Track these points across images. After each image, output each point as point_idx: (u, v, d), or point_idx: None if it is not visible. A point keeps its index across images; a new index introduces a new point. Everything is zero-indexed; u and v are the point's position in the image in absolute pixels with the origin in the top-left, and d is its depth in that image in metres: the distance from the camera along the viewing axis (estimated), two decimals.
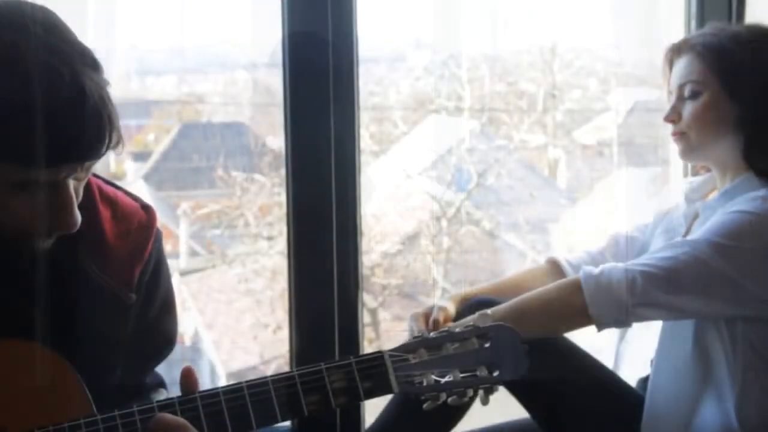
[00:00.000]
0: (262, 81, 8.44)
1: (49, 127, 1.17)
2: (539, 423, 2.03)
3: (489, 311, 1.88)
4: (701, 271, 1.77)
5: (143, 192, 8.24)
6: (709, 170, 2.04)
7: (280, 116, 2.35)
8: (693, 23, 2.48)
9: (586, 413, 1.96)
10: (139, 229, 1.44)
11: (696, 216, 2.01)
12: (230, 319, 7.79)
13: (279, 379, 1.33)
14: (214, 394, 1.31)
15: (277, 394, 1.32)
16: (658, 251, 1.85)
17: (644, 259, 1.84)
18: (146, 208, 1.48)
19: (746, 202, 1.84)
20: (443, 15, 7.61)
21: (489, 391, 1.40)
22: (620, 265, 1.82)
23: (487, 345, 1.39)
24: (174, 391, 1.49)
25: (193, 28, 8.37)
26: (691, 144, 1.94)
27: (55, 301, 1.35)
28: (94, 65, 1.25)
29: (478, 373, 1.38)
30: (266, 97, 8.38)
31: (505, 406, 2.16)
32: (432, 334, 1.40)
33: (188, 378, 1.34)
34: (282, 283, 6.78)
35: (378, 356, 1.36)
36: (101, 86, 1.24)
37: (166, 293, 1.52)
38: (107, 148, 1.25)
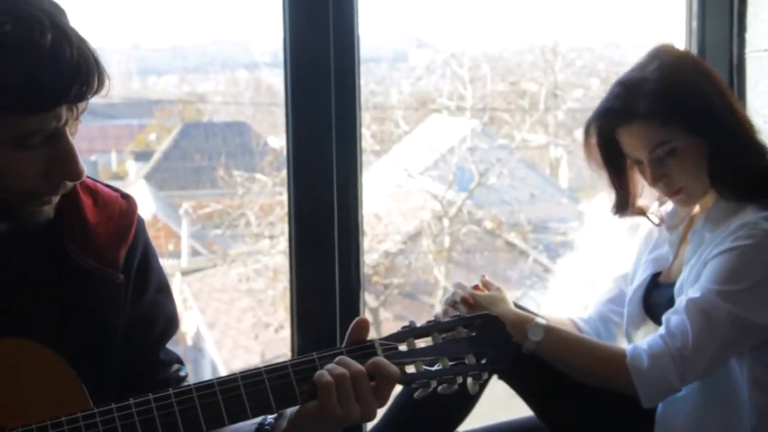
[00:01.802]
0: (263, 80, 8.45)
1: (44, 69, 1.20)
2: (547, 424, 2.03)
3: (545, 322, 1.91)
4: (716, 326, 1.81)
5: (145, 191, 8.24)
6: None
7: (282, 116, 2.35)
8: (694, 23, 2.47)
9: (596, 416, 1.97)
10: (120, 215, 1.45)
11: (682, 240, 2.03)
12: (232, 319, 7.81)
13: (273, 369, 1.34)
14: (209, 385, 1.32)
15: (271, 384, 1.33)
16: (672, 324, 1.85)
17: (667, 336, 1.85)
18: (126, 197, 1.49)
19: (734, 232, 1.84)
20: (445, 15, 7.62)
21: (477, 378, 1.40)
22: (655, 352, 1.84)
23: (474, 334, 1.41)
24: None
25: (194, 28, 8.38)
26: (692, 193, 1.93)
27: (41, 288, 1.37)
28: (62, 11, 1.29)
29: (466, 360, 1.39)
30: (268, 97, 8.40)
31: (508, 406, 2.17)
32: (419, 324, 1.41)
33: (362, 328, 1.38)
34: (283, 283, 6.79)
35: (369, 345, 1.36)
36: (75, 29, 1.28)
37: (159, 275, 1.52)
38: (98, 88, 1.28)
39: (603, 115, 1.96)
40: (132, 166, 8.87)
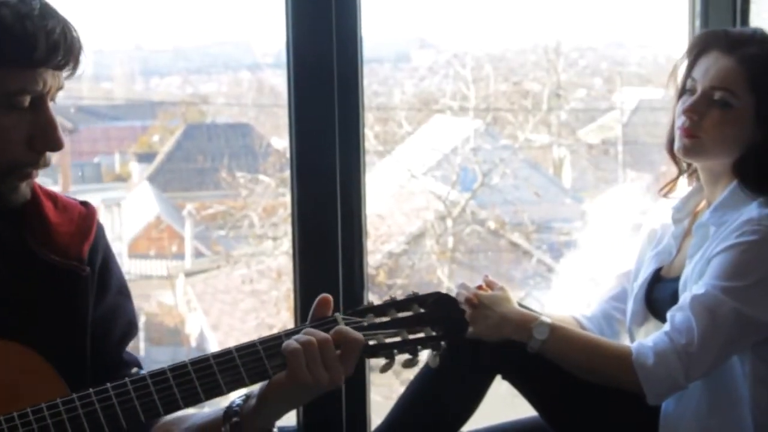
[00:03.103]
0: (266, 81, 8.45)
1: (35, 29, 1.30)
2: (551, 424, 2.03)
3: (550, 321, 1.91)
4: (721, 322, 1.81)
5: (148, 193, 8.24)
6: (692, 177, 2.03)
7: (285, 117, 2.36)
8: (697, 22, 2.47)
9: (599, 416, 1.97)
10: (81, 218, 1.52)
11: (686, 234, 2.02)
12: (235, 320, 7.80)
13: (242, 348, 1.41)
14: (182, 365, 1.38)
15: (242, 362, 1.39)
16: (677, 321, 1.84)
17: (673, 333, 1.84)
18: (85, 204, 1.56)
19: (738, 228, 1.85)
20: (447, 15, 7.61)
21: (436, 348, 1.48)
22: (660, 349, 1.83)
23: (427, 311, 1.49)
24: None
25: (197, 29, 8.37)
26: (700, 148, 1.90)
27: (7, 287, 1.40)
28: None
29: (423, 333, 1.47)
30: (271, 98, 8.39)
31: (512, 406, 2.16)
32: (377, 303, 1.51)
33: (325, 305, 1.47)
34: (287, 284, 6.79)
35: (331, 319, 1.44)
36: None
37: (120, 279, 1.58)
38: (76, 64, 1.38)
39: (717, 32, 1.94)
40: (135, 168, 8.86)
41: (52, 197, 1.50)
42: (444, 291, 1.53)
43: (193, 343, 7.95)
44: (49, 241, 1.44)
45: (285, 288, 7.01)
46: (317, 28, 2.26)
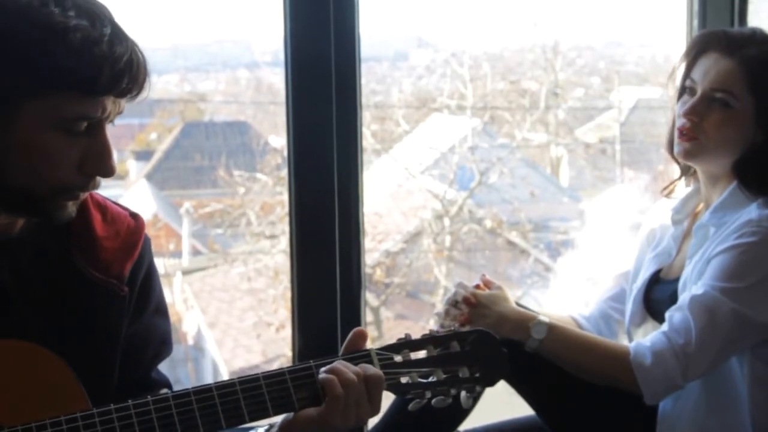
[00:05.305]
0: (264, 80, 8.45)
1: (101, 57, 1.27)
2: (549, 424, 2.03)
3: (548, 320, 1.91)
4: (719, 323, 1.81)
5: (146, 191, 8.24)
6: (691, 178, 2.03)
7: (283, 115, 2.36)
8: (695, 22, 2.48)
9: (597, 415, 1.97)
10: (128, 233, 1.50)
11: (686, 235, 2.02)
12: (233, 318, 7.80)
13: (270, 376, 1.36)
14: (207, 389, 1.35)
15: (268, 390, 1.35)
16: (676, 321, 1.84)
17: (671, 332, 1.84)
18: (134, 216, 1.54)
19: (738, 230, 1.85)
20: (445, 14, 7.62)
21: (470, 391, 1.44)
22: (658, 349, 1.83)
23: (467, 349, 1.44)
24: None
25: (195, 27, 8.37)
26: (700, 151, 1.89)
27: (45, 295, 1.39)
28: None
29: (459, 374, 1.42)
30: (268, 96, 8.39)
31: (509, 405, 2.17)
32: (415, 337, 1.45)
33: (360, 338, 1.42)
34: (284, 282, 6.79)
35: (365, 354, 1.40)
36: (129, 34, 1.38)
37: (159, 296, 1.57)
38: (141, 89, 1.34)
39: (716, 33, 1.93)
40: (133, 166, 8.86)
41: (102, 208, 1.48)
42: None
43: (191, 341, 7.96)
44: (93, 256, 1.43)
45: (282, 286, 7.02)
46: (315, 27, 2.26)
